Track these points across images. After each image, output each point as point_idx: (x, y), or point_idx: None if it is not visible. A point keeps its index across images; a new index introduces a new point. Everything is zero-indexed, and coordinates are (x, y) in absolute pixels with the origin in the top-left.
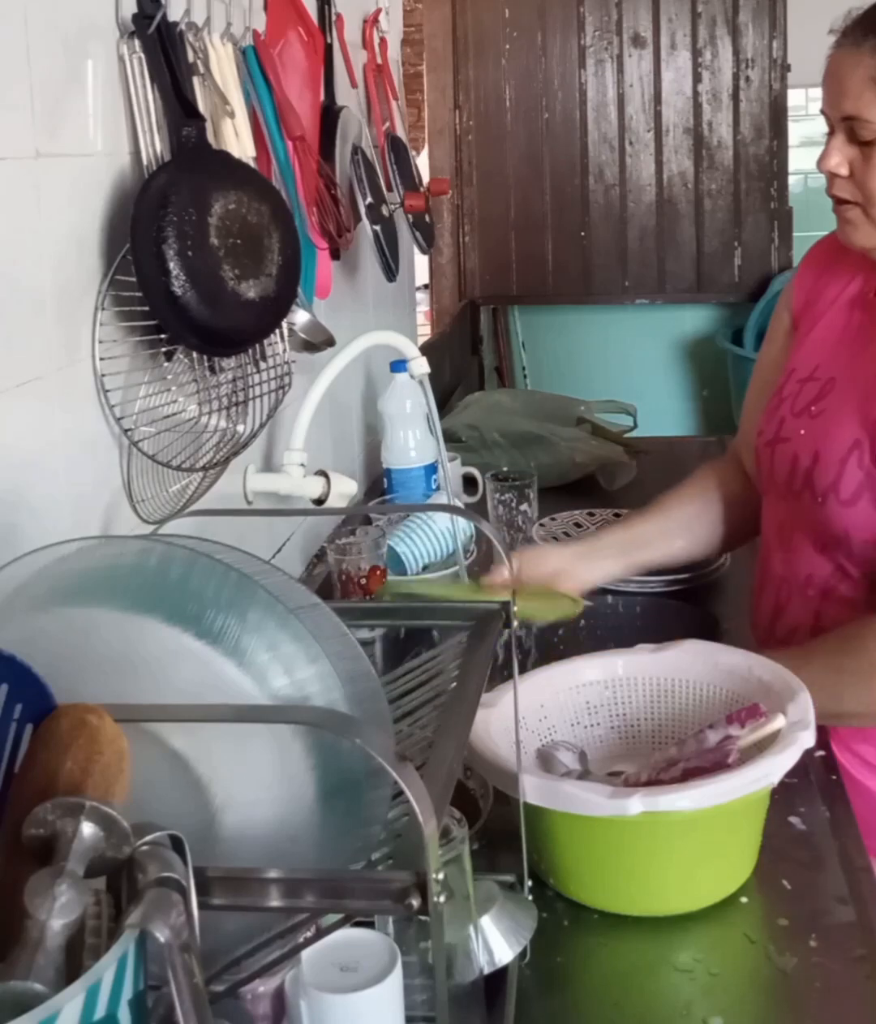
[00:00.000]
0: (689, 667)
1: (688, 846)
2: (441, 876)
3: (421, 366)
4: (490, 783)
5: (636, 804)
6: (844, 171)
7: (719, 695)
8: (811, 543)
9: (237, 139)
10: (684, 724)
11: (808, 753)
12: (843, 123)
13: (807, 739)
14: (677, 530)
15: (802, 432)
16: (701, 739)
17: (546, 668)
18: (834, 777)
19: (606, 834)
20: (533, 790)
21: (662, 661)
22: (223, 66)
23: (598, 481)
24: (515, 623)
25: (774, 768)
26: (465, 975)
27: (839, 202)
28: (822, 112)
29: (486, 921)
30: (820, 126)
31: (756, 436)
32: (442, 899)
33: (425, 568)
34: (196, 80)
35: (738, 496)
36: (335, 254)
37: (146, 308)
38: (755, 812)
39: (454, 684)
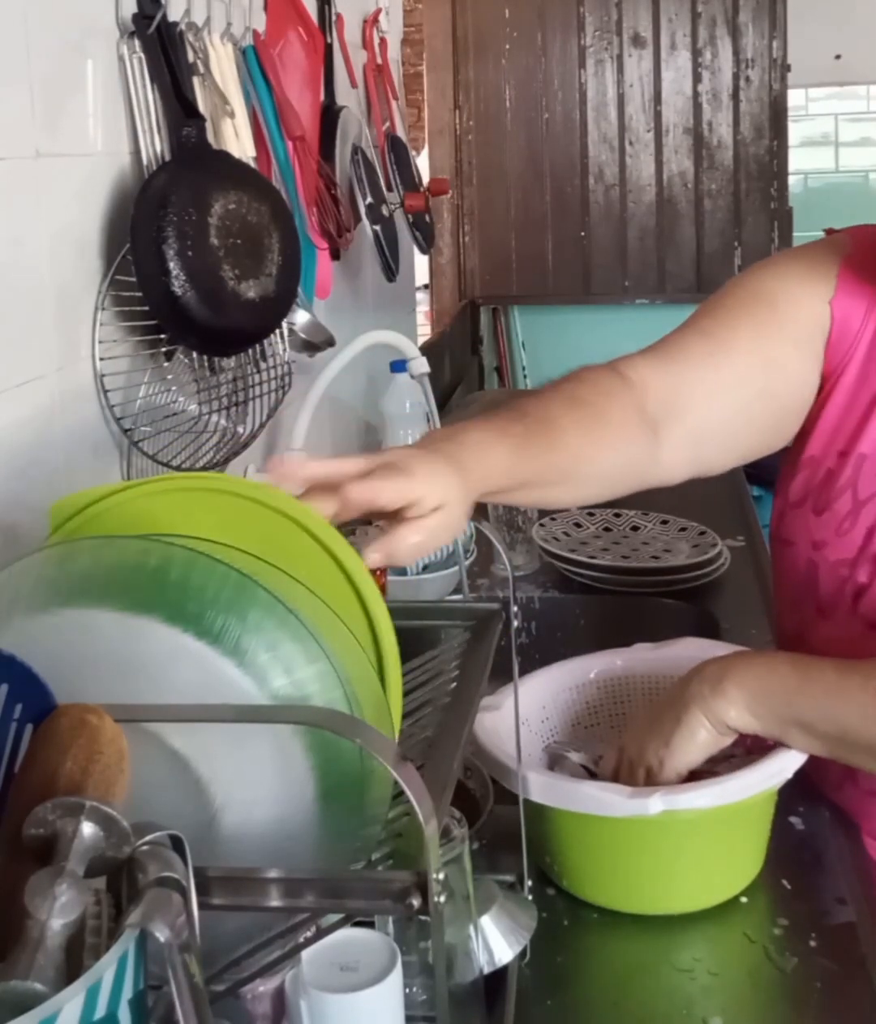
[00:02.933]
0: (688, 665)
1: (703, 844)
2: (441, 876)
3: (421, 366)
4: (502, 785)
5: (656, 803)
6: None
7: None
8: None
9: (237, 139)
10: None
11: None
12: None
13: None
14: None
15: None
16: None
17: (546, 668)
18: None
19: (618, 833)
20: (550, 792)
21: (662, 660)
22: (223, 66)
23: None
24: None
25: (788, 764)
26: (465, 975)
27: None
28: None
29: (486, 921)
30: (820, 126)
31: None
32: (442, 899)
33: (425, 568)
34: (196, 80)
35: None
36: (335, 254)
37: (146, 308)
38: (765, 809)
39: (454, 684)
